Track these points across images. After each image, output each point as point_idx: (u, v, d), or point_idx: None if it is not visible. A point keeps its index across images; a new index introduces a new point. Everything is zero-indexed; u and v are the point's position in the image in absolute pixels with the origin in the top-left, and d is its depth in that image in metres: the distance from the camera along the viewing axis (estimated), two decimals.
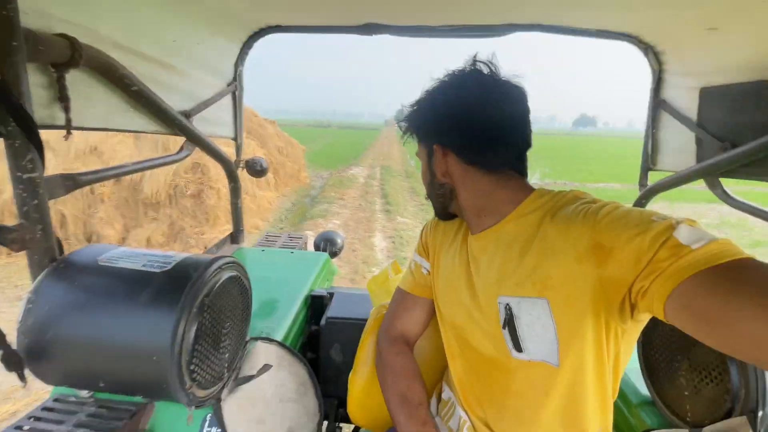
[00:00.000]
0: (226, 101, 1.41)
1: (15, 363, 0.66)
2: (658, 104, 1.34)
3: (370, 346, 0.93)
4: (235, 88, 1.42)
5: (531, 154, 0.74)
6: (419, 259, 0.87)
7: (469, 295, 0.72)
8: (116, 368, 0.68)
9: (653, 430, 0.79)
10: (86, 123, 0.82)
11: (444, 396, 0.82)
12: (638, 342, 0.91)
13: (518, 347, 0.64)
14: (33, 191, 0.68)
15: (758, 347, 0.42)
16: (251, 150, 7.47)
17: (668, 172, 1.34)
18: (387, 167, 15.24)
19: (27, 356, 0.67)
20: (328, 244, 1.75)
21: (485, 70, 0.69)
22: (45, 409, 0.77)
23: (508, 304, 0.64)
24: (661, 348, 0.85)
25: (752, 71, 0.97)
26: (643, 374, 0.89)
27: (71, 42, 0.70)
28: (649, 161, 1.42)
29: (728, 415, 0.67)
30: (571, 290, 0.58)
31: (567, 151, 29.42)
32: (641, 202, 1.46)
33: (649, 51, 1.30)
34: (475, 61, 0.70)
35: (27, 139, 0.64)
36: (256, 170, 1.52)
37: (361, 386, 0.91)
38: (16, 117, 0.62)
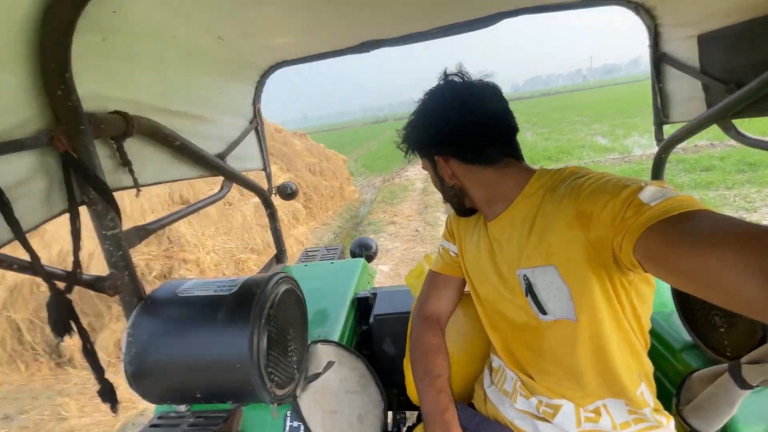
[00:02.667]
0: (252, 137, 1.55)
1: (110, 396, 0.79)
2: (660, 58, 1.35)
3: None
4: (256, 124, 1.56)
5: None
6: (447, 244, 0.96)
7: (496, 274, 0.81)
8: (208, 380, 0.81)
9: (697, 370, 0.82)
10: (146, 180, 0.96)
11: (494, 365, 0.89)
12: (673, 291, 0.95)
13: (542, 310, 0.72)
14: (116, 244, 0.82)
15: (706, 285, 0.45)
16: (273, 177, 7.34)
17: (681, 122, 1.35)
18: None
19: (133, 381, 0.80)
20: (363, 250, 1.86)
21: (458, 80, 0.78)
22: (152, 426, 0.91)
23: (525, 275, 0.73)
24: None
25: (744, 11, 0.99)
26: (681, 319, 0.93)
27: (123, 116, 0.84)
28: (661, 115, 1.43)
29: (762, 342, 0.70)
30: (569, 254, 0.66)
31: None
32: (661, 156, 1.47)
33: (640, 9, 1.32)
34: (446, 75, 0.79)
35: (106, 203, 0.78)
36: (287, 194, 1.66)
37: None
38: (94, 186, 0.76)
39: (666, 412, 0.75)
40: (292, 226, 6.58)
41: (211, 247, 4.57)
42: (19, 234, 0.61)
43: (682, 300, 0.93)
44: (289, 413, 0.91)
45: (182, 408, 0.92)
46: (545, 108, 31.75)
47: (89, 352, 0.76)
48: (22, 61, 0.64)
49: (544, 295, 0.71)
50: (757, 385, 0.70)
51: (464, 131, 0.75)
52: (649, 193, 0.56)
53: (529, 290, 0.73)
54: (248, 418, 0.92)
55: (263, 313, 0.79)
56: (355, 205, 9.27)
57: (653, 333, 1.02)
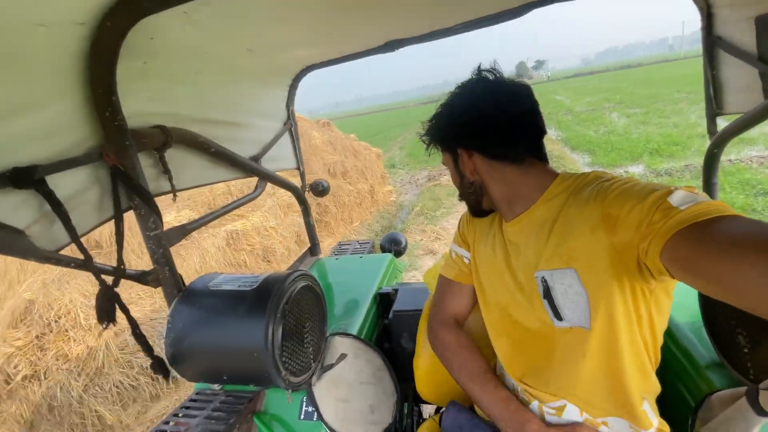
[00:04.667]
0: (285, 138, 1.65)
1: (162, 368, 0.93)
2: (713, 43, 1.22)
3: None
4: (290, 125, 1.65)
5: None
6: (460, 251, 0.95)
7: (511, 277, 0.80)
8: (232, 365, 0.91)
9: (718, 390, 0.77)
10: (185, 185, 1.08)
11: (498, 371, 0.90)
12: (700, 304, 0.89)
13: (558, 316, 0.71)
14: (158, 243, 0.94)
15: (736, 292, 0.44)
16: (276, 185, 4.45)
17: (736, 114, 1.22)
18: None
19: (172, 361, 0.93)
20: (392, 245, 1.91)
21: (490, 77, 0.78)
22: (191, 400, 1.04)
23: (543, 277, 0.72)
24: (719, 305, 0.83)
25: None
26: (708, 334, 0.87)
27: (163, 130, 0.95)
28: (714, 106, 1.30)
29: None
30: (592, 258, 0.65)
31: None
32: (713, 152, 1.34)
33: None
34: (480, 70, 0.79)
35: (149, 208, 0.90)
36: (319, 191, 1.75)
37: (425, 368, 1.04)
38: (139, 193, 0.88)
39: None
40: (292, 252, 4.77)
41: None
42: (75, 238, 0.74)
43: (708, 315, 0.87)
44: (304, 399, 1.00)
45: (216, 387, 1.05)
46: (628, 83, 26.19)
47: (139, 337, 0.89)
48: (74, 88, 0.76)
49: (561, 300, 0.70)
50: None
51: (492, 126, 0.74)
52: (680, 197, 0.55)
53: (547, 294, 0.72)
54: (271, 400, 1.03)
55: (279, 307, 0.87)
56: (390, 211, 7.17)
57: (679, 346, 0.96)
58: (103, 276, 0.80)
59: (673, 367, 0.96)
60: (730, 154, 6.52)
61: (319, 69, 1.53)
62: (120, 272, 0.83)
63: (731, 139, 1.28)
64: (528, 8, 1.25)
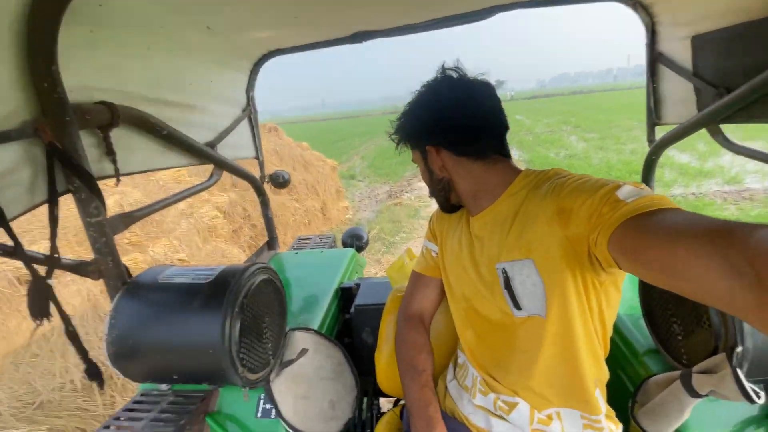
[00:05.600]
0: (244, 125, 1.57)
1: (96, 375, 0.85)
2: (656, 58, 1.33)
3: (389, 325, 1.05)
4: (250, 112, 1.58)
5: None
6: (429, 245, 0.98)
7: (474, 270, 0.82)
8: (184, 363, 0.85)
9: (655, 375, 0.84)
10: (131, 169, 0.99)
11: (459, 361, 0.93)
12: (640, 293, 0.97)
13: (517, 305, 0.74)
14: (101, 231, 0.85)
15: (676, 278, 0.47)
16: (203, 202, 4.32)
17: (674, 124, 1.34)
18: None
19: (114, 361, 0.85)
20: (354, 240, 1.89)
21: (455, 75, 0.80)
22: (135, 402, 0.96)
23: (504, 269, 0.75)
24: (657, 297, 0.90)
25: (738, 13, 0.97)
26: (646, 323, 0.95)
27: (109, 107, 0.87)
28: (653, 116, 1.42)
29: (714, 353, 0.72)
30: (548, 250, 0.68)
31: None
32: (651, 158, 1.47)
33: (638, 6, 1.29)
34: (444, 69, 0.81)
35: (90, 191, 0.82)
36: (279, 182, 1.68)
37: (386, 361, 1.04)
38: (79, 175, 0.79)
39: (616, 420, 0.78)
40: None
41: None
42: (3, 221, 0.65)
43: (647, 305, 0.94)
44: (262, 396, 0.96)
45: (164, 387, 0.98)
46: (581, 107, 27.65)
47: (72, 335, 0.80)
48: (8, 54, 0.67)
49: (520, 290, 0.73)
50: (706, 395, 0.72)
51: (459, 122, 0.77)
52: (626, 191, 0.59)
53: (507, 284, 0.75)
54: (224, 398, 0.97)
55: (236, 302, 0.83)
56: (344, 230, 5.44)
57: (621, 335, 1.04)
58: (35, 266, 0.71)
59: (615, 355, 1.04)
60: (690, 187, 6.46)
61: (282, 55, 1.48)
62: (54, 261, 0.74)
63: (667, 147, 1.40)
64: (494, 11, 1.29)
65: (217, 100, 1.38)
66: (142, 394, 0.98)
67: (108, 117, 0.87)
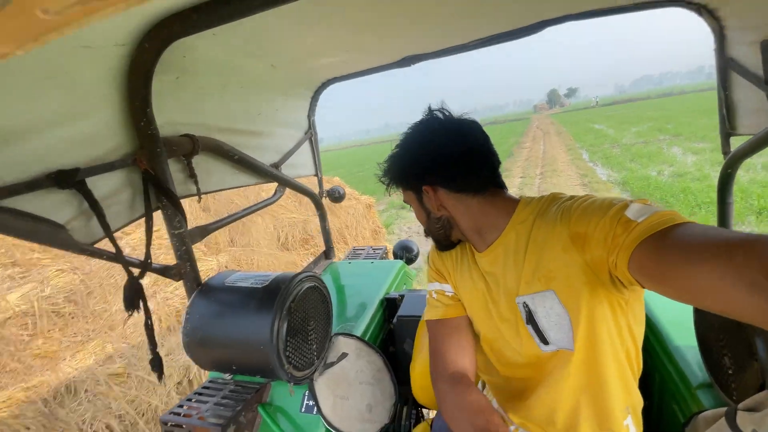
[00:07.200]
0: (306, 146, 1.74)
1: (158, 367, 0.96)
2: (726, 64, 1.22)
3: (424, 337, 1.09)
4: (311, 134, 1.74)
5: None
6: (439, 286, 0.92)
7: (494, 308, 0.81)
8: (240, 356, 0.99)
9: (702, 411, 0.78)
10: (209, 188, 1.18)
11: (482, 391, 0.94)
12: (695, 325, 0.90)
13: (544, 340, 0.73)
14: (182, 241, 1.03)
15: (701, 296, 0.47)
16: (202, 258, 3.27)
17: (749, 135, 1.21)
18: (555, 183, 8.91)
19: (188, 349, 1.02)
20: (404, 252, 1.96)
21: (441, 116, 0.81)
22: (204, 387, 1.13)
23: (525, 302, 0.74)
24: (712, 327, 0.84)
25: None
26: (701, 355, 0.88)
27: (191, 138, 1.05)
28: (727, 126, 1.29)
29: (761, 389, 0.66)
30: (568, 278, 0.68)
31: None
32: (727, 171, 1.33)
33: (703, 10, 1.20)
34: (431, 110, 0.82)
35: (174, 208, 1.00)
36: (335, 197, 1.83)
37: (419, 371, 1.08)
38: (166, 196, 0.98)
39: None
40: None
41: None
42: (109, 233, 0.84)
43: (701, 335, 0.87)
44: (306, 393, 1.06)
45: (227, 376, 1.13)
46: (675, 111, 23.32)
47: (148, 327, 0.97)
48: (114, 101, 0.86)
49: (545, 323, 0.72)
50: None
51: (453, 159, 0.77)
52: (635, 210, 0.58)
53: (530, 319, 0.73)
54: (276, 392, 1.10)
55: (285, 305, 0.95)
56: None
57: (676, 366, 0.97)
58: (131, 268, 0.89)
59: (668, 385, 0.97)
60: None
61: (340, 81, 1.62)
62: (146, 265, 0.92)
63: (744, 159, 1.27)
64: (542, 26, 1.29)
65: (282, 125, 1.56)
66: (210, 381, 1.14)
67: (191, 146, 1.05)
